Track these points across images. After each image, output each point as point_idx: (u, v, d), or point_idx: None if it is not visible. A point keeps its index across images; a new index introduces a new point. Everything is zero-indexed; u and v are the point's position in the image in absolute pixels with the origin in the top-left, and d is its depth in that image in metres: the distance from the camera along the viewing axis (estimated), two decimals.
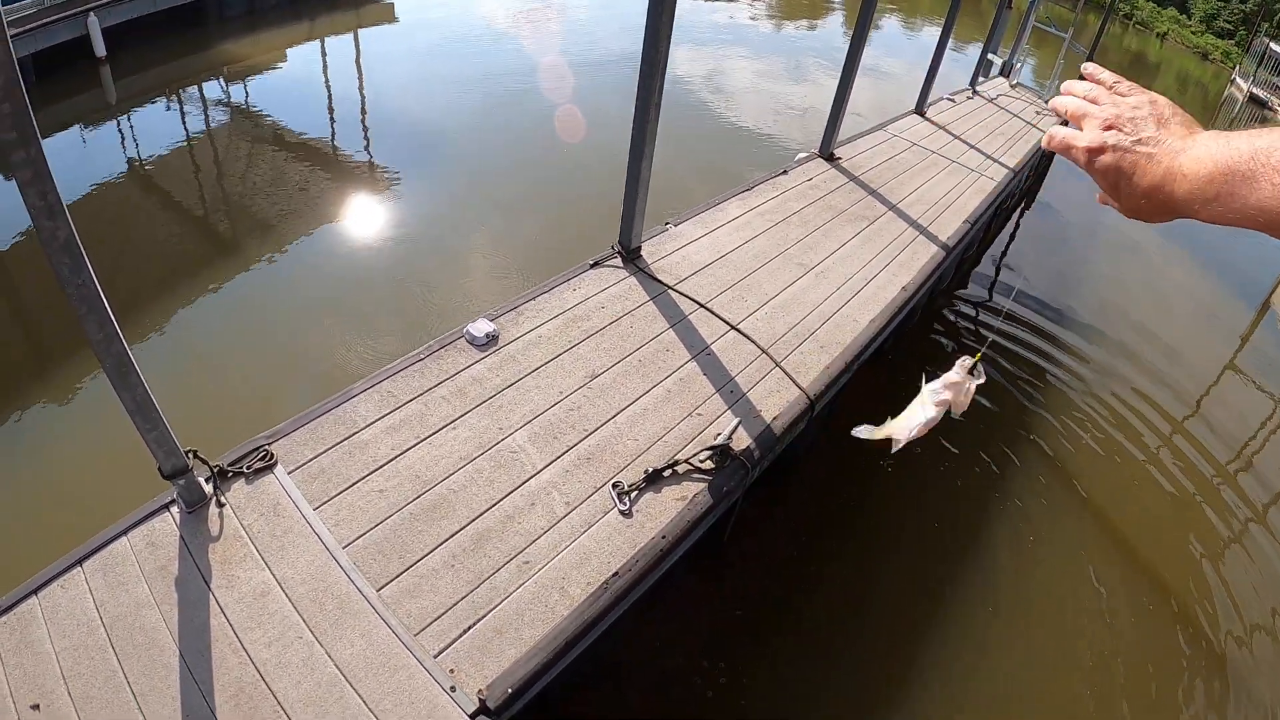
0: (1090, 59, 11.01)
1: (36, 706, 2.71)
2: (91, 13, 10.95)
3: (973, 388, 1.59)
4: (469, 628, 3.08)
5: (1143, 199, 0.91)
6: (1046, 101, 11.70)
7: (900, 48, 20.50)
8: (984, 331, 7.70)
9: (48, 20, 10.48)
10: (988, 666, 4.55)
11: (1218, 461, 6.79)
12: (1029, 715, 4.41)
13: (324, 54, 13.03)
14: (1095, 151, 0.95)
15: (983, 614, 4.82)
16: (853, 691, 4.28)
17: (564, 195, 8.91)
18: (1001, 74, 12.50)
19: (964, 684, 4.44)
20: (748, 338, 4.80)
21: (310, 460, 3.62)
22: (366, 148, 9.95)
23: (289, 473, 3.54)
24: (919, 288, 5.85)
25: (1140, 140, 0.92)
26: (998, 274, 9.28)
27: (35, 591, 3.03)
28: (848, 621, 4.63)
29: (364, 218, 8.25)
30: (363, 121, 10.69)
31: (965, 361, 1.60)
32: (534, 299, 4.82)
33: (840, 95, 7.16)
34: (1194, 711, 4.57)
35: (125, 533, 3.26)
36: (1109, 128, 0.95)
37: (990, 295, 8.76)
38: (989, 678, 4.51)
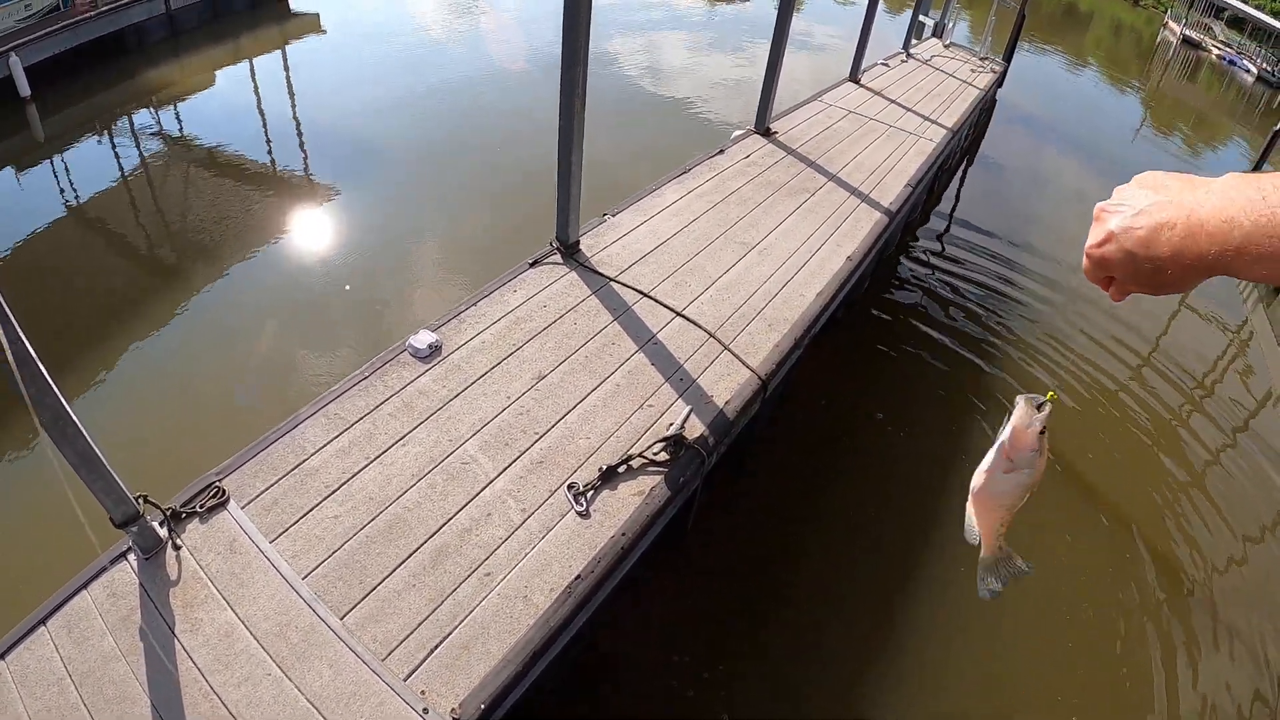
0: (1022, 13, 11.08)
1: None
2: (12, 53, 10.74)
3: (1036, 427, 1.27)
4: (435, 647, 3.07)
5: (1168, 269, 0.83)
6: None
7: (834, 16, 20.55)
8: (932, 293, 7.75)
9: None
10: (963, 643, 4.57)
11: (1184, 390, 6.91)
12: (1011, 691, 4.45)
13: (253, 73, 12.85)
14: (1102, 246, 0.89)
15: (955, 586, 4.84)
16: (829, 677, 4.30)
17: (503, 194, 8.85)
18: (934, 35, 12.56)
19: (940, 660, 4.47)
20: (694, 323, 4.80)
21: (263, 492, 3.59)
22: (304, 163, 9.85)
23: (242, 507, 3.51)
24: (864, 255, 5.88)
25: (1140, 212, 0.85)
26: (947, 230, 9.34)
27: (2, 655, 3.00)
28: (817, 603, 4.64)
29: (305, 234, 8.16)
30: (299, 136, 10.57)
31: (1028, 401, 1.29)
32: (474, 305, 4.80)
33: (772, 68, 7.16)
34: (1177, 651, 4.65)
35: (85, 586, 3.22)
36: (1102, 216, 0.90)
37: (942, 248, 8.82)
38: (965, 653, 4.53)
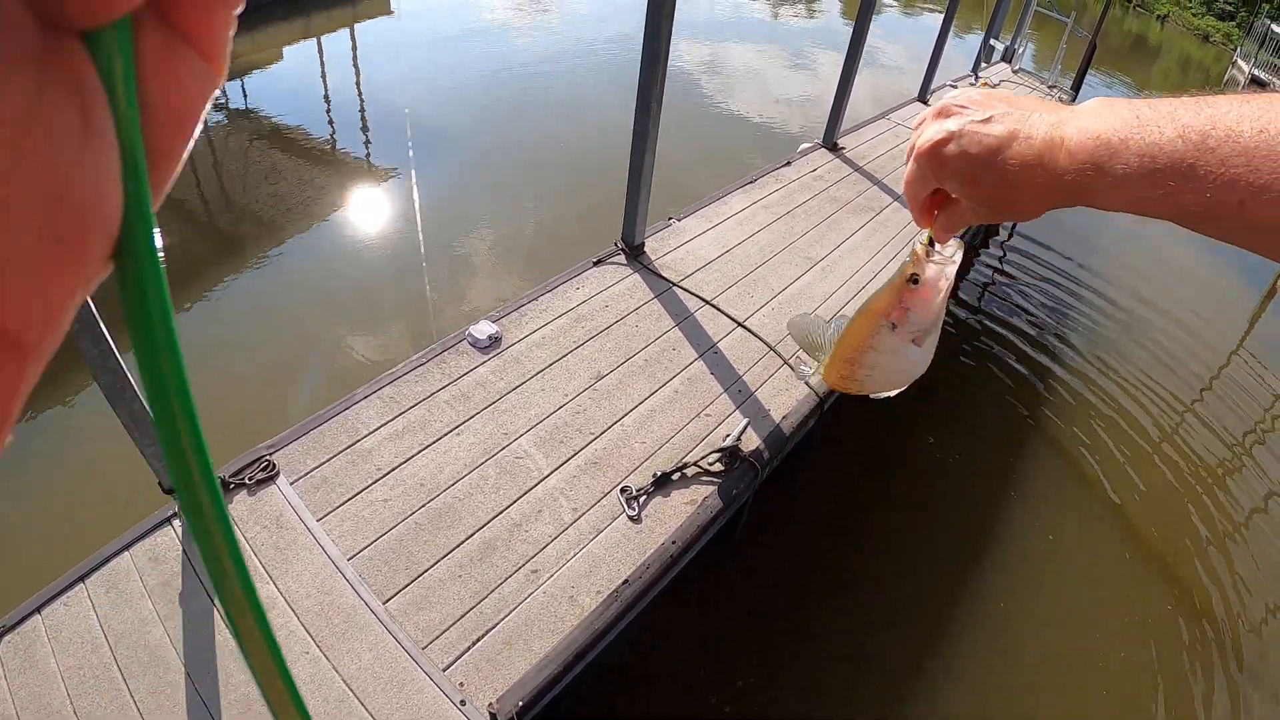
0: (1094, 43, 10.88)
1: None
2: None
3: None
4: (478, 640, 3.03)
5: (1016, 187, 0.72)
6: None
7: (898, 34, 20.38)
8: (987, 321, 7.62)
9: None
10: (1003, 666, 4.48)
11: (1231, 441, 6.72)
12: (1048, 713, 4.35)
13: (320, 51, 12.93)
14: (940, 146, 0.75)
15: (996, 611, 4.74)
16: (870, 695, 4.22)
17: (566, 189, 8.79)
18: (1004, 59, 12.39)
19: (980, 683, 4.37)
20: (755, 335, 4.73)
21: (313, 470, 3.56)
22: (366, 144, 9.87)
23: (291, 483, 3.49)
24: None
25: (992, 117, 0.74)
26: (1004, 256, 9.18)
27: (39, 609, 2.99)
28: (860, 621, 4.56)
29: (364, 215, 8.16)
30: (361, 116, 10.60)
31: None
32: (537, 299, 4.75)
33: (843, 84, 7.07)
34: (1211, 699, 4.51)
35: (128, 548, 3.21)
36: (942, 115, 0.77)
37: (995, 276, 8.67)
38: (1005, 678, 4.44)
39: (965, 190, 0.76)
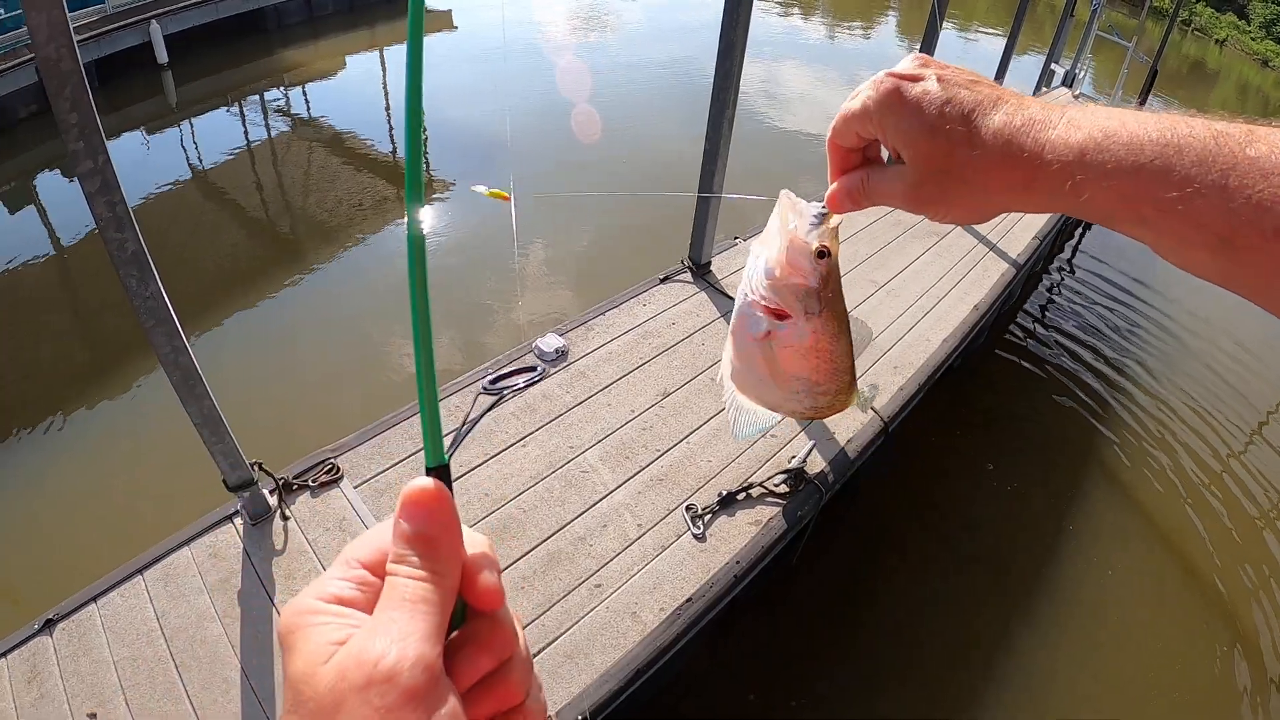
0: (1154, 68, 10.67)
1: (93, 715, 2.68)
2: (154, 20, 11.10)
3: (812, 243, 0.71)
4: (539, 652, 3.01)
5: (979, 154, 0.58)
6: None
7: (954, 56, 20.19)
8: (1045, 349, 7.47)
9: (111, 27, 10.65)
10: (1051, 697, 4.33)
11: None
12: None
13: (383, 62, 13.10)
14: (909, 79, 0.62)
15: (1049, 641, 4.60)
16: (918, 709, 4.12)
17: (627, 206, 8.79)
18: (1064, 84, 12.23)
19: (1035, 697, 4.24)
20: None
21: (377, 475, 3.56)
22: (425, 155, 9.95)
23: (355, 487, 3.49)
24: (990, 306, 5.68)
25: (978, 80, 0.62)
26: (1062, 282, 9.02)
27: (95, 599, 3.01)
28: (909, 643, 4.45)
29: (424, 226, 8.18)
30: (422, 129, 10.69)
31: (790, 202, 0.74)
32: (604, 314, 4.74)
33: None
34: None
35: (188, 543, 3.23)
36: (920, 60, 0.64)
37: (1048, 303, 8.50)
38: (1060, 699, 4.30)
39: (914, 145, 0.61)
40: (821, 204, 0.71)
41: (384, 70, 12.82)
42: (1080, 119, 0.56)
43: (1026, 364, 7.15)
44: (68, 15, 2.02)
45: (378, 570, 0.43)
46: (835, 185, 0.69)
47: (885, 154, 0.68)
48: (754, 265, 0.75)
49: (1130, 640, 4.75)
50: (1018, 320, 7.78)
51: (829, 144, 0.69)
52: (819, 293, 0.72)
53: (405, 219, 0.45)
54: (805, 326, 0.73)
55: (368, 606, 0.42)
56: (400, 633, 0.39)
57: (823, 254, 0.70)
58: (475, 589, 0.45)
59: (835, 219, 0.71)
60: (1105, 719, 4.32)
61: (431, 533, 0.43)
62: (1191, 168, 0.49)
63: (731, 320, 0.77)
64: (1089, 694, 4.39)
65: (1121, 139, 0.53)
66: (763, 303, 0.73)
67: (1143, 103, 11.70)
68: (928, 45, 6.56)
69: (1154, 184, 0.51)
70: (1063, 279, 9.13)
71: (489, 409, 3.97)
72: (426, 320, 0.45)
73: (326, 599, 0.42)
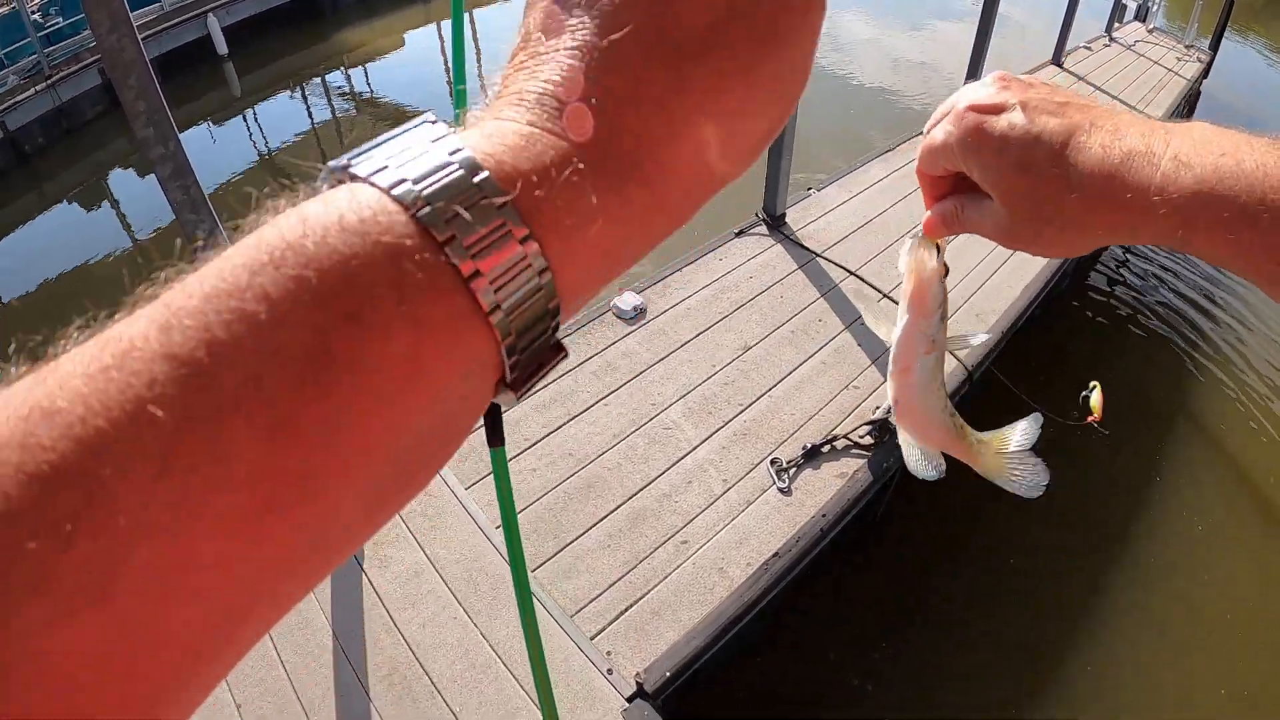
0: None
1: None
2: (211, 13, 11.29)
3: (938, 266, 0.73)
4: (626, 609, 3.01)
5: (1073, 190, 0.53)
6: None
7: None
8: (1132, 294, 7.21)
9: (171, 23, 10.86)
10: (1138, 680, 4.12)
11: None
12: None
13: (440, 35, 13.13)
14: (987, 113, 0.56)
15: (1139, 613, 4.40)
16: (995, 682, 4.02)
17: None
18: (1137, 18, 11.79)
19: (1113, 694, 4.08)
20: None
21: None
22: None
23: None
24: None
25: (1067, 103, 0.56)
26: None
27: None
28: (989, 605, 4.33)
29: None
30: (484, 98, 10.72)
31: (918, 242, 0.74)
32: (680, 270, 4.71)
33: (978, 50, 6.78)
34: None
35: None
36: (1001, 83, 0.58)
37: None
38: (1142, 689, 4.11)
39: (1003, 188, 0.56)
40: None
41: (441, 42, 12.86)
42: (1190, 155, 0.50)
43: (1115, 308, 6.93)
44: (127, 5, 2.05)
45: None
46: (930, 213, 0.66)
47: None
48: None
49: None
50: (1100, 266, 7.54)
51: (917, 172, 0.65)
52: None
53: None
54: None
55: None
56: None
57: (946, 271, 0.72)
58: None
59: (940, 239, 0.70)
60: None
61: None
62: None
63: (892, 361, 0.76)
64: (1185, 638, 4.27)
65: (1239, 183, 0.47)
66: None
67: (1219, 36, 11.21)
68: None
69: (1276, 236, 0.45)
70: None
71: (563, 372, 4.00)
72: None
73: None
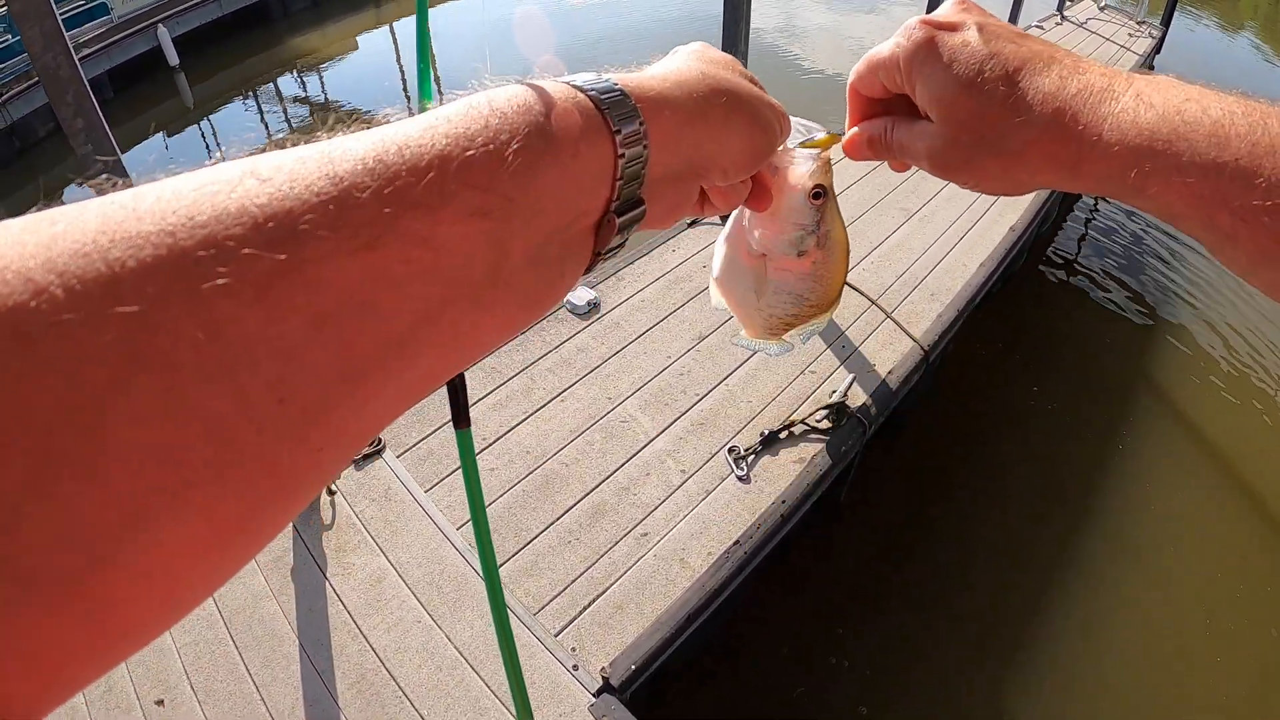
0: None
1: (161, 702, 2.73)
2: (160, 24, 11.15)
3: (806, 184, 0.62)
4: (589, 604, 3.01)
5: (1022, 120, 0.51)
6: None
7: None
8: (1087, 267, 7.26)
9: (119, 37, 10.72)
10: (1094, 649, 4.12)
11: None
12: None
13: (394, 38, 13.04)
14: (944, 29, 0.54)
15: (1103, 583, 4.41)
16: (964, 655, 4.04)
17: None
18: None
19: (1070, 666, 4.06)
20: (856, 289, 4.59)
21: (418, 442, 3.58)
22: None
23: (398, 456, 3.51)
24: (1026, 227, 5.53)
25: (1029, 35, 0.55)
26: (1096, 205, 8.76)
27: None
28: (957, 582, 4.33)
29: None
30: (440, 101, 10.68)
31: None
32: (633, 263, 4.70)
33: None
34: None
35: None
36: (962, 4, 0.57)
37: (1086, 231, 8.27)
38: (1101, 658, 4.09)
39: (945, 104, 0.53)
40: (809, 131, 0.63)
41: (396, 45, 12.78)
42: (1151, 95, 0.49)
43: (1070, 281, 6.98)
44: (60, 22, 2.03)
45: None
46: (855, 130, 0.63)
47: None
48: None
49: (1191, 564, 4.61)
50: (1056, 241, 7.59)
51: (850, 88, 0.63)
52: (815, 232, 0.65)
53: None
54: (802, 259, 0.67)
55: None
56: None
57: (818, 194, 0.62)
58: None
59: (829, 152, 0.62)
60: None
61: None
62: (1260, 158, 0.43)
63: (727, 227, 0.68)
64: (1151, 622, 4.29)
65: (1203, 127, 0.46)
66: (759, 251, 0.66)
67: (1170, 13, 11.28)
68: None
69: (1237, 188, 0.44)
70: (1096, 202, 8.88)
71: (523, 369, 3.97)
72: None
73: None
